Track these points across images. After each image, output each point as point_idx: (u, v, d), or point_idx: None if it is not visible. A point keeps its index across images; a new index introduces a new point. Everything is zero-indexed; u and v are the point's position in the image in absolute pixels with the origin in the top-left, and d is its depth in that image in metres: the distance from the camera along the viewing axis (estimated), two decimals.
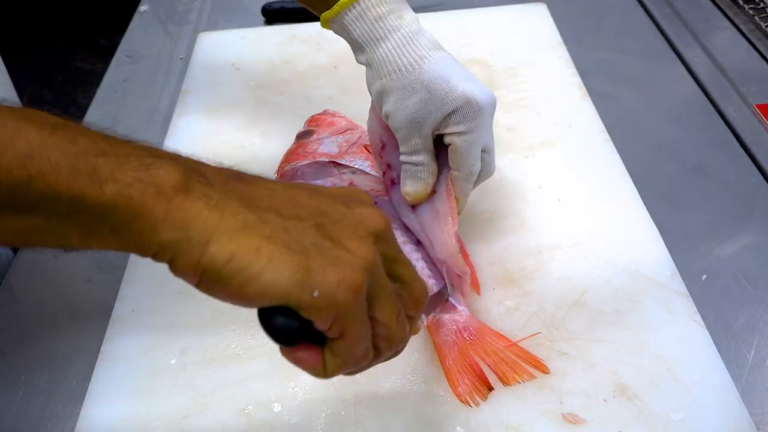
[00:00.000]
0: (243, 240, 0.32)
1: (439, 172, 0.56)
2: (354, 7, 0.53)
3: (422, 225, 0.57)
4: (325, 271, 0.33)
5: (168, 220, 0.32)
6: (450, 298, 0.56)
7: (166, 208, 0.32)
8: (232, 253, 0.32)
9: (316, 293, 0.33)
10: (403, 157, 0.56)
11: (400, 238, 0.59)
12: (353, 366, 0.37)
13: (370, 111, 0.62)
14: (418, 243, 0.59)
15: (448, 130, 0.54)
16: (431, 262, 0.58)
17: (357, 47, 0.56)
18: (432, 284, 0.56)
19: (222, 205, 0.33)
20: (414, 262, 0.57)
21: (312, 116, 0.72)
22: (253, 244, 0.32)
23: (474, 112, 0.53)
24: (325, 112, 0.72)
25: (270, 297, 0.33)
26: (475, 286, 0.58)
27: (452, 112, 0.53)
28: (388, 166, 0.60)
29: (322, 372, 0.37)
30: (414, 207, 0.58)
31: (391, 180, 0.60)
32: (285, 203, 0.35)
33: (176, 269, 0.33)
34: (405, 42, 0.54)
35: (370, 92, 0.58)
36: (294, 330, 0.35)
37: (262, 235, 0.33)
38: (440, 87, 0.53)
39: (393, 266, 0.38)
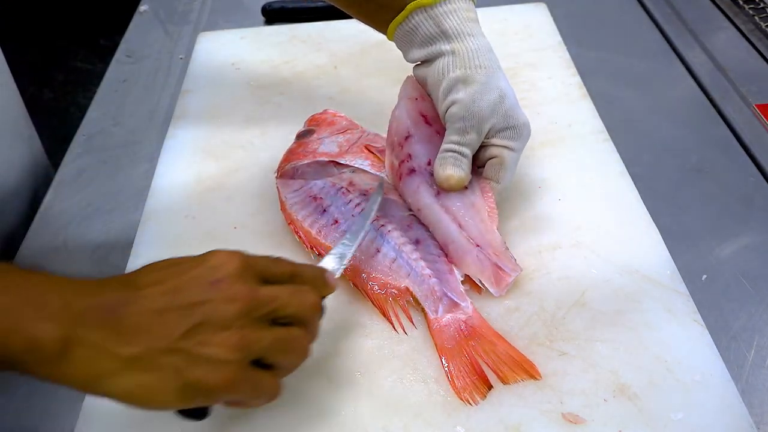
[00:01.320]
0: (125, 379, 0.40)
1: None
2: (448, 3, 0.59)
3: (453, 211, 0.59)
4: (200, 381, 0.40)
5: (61, 376, 0.40)
6: (450, 294, 0.56)
7: (56, 368, 0.39)
8: (121, 391, 0.40)
9: (198, 399, 0.42)
10: (450, 146, 0.59)
11: (400, 238, 0.59)
12: (264, 403, 0.46)
13: (400, 102, 0.64)
14: (417, 242, 0.59)
15: (499, 142, 0.59)
16: (431, 260, 0.58)
17: (441, 36, 0.59)
18: (434, 283, 0.56)
19: (101, 351, 0.39)
20: (413, 263, 0.57)
21: (312, 116, 0.73)
22: (134, 380, 0.40)
23: (525, 135, 0.60)
24: (325, 112, 0.73)
25: (170, 410, 0.43)
26: (474, 286, 0.58)
27: (511, 127, 0.59)
28: (409, 156, 0.62)
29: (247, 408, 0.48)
30: (441, 194, 0.60)
31: (410, 170, 0.61)
32: (154, 323, 0.41)
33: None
34: (488, 48, 0.60)
35: (428, 77, 0.61)
36: (198, 414, 0.44)
37: (139, 369, 0.40)
38: (510, 99, 0.60)
39: (274, 315, 0.44)
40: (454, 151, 0.59)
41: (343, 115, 0.72)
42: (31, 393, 0.55)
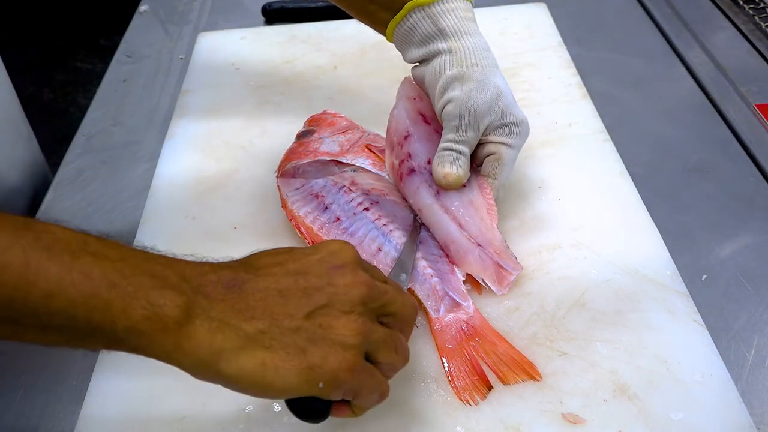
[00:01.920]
0: (248, 356, 0.38)
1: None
2: (446, 2, 0.59)
3: (453, 211, 0.59)
4: (324, 363, 0.39)
5: (178, 349, 0.37)
6: (452, 294, 0.56)
7: (174, 340, 0.37)
8: (240, 370, 0.38)
9: (321, 384, 0.39)
10: (448, 144, 0.59)
11: (402, 238, 0.59)
12: (375, 403, 0.44)
13: (397, 101, 0.64)
14: (420, 242, 0.59)
15: (497, 139, 0.60)
16: (433, 260, 0.58)
17: (439, 35, 0.60)
18: (435, 283, 0.56)
19: (222, 325, 0.38)
20: (414, 262, 0.57)
21: (312, 116, 0.73)
22: (257, 358, 0.38)
23: (523, 132, 0.61)
24: (325, 113, 0.73)
25: (285, 396, 0.41)
26: (475, 286, 0.58)
27: (509, 123, 0.59)
28: (409, 155, 0.62)
29: (354, 416, 0.45)
30: (441, 194, 0.60)
31: (410, 169, 0.61)
32: (276, 302, 0.40)
33: (199, 379, 0.39)
34: (485, 47, 0.61)
35: (425, 76, 0.61)
36: (317, 412, 0.43)
37: (263, 346, 0.38)
38: (507, 97, 0.60)
39: (382, 311, 0.43)
40: (452, 150, 0.59)
41: (342, 115, 0.72)
42: (31, 393, 0.55)
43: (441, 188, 0.60)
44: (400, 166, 0.62)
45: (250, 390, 0.39)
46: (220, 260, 0.42)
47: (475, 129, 0.59)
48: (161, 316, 0.37)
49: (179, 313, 0.37)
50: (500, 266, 0.57)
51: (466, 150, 0.59)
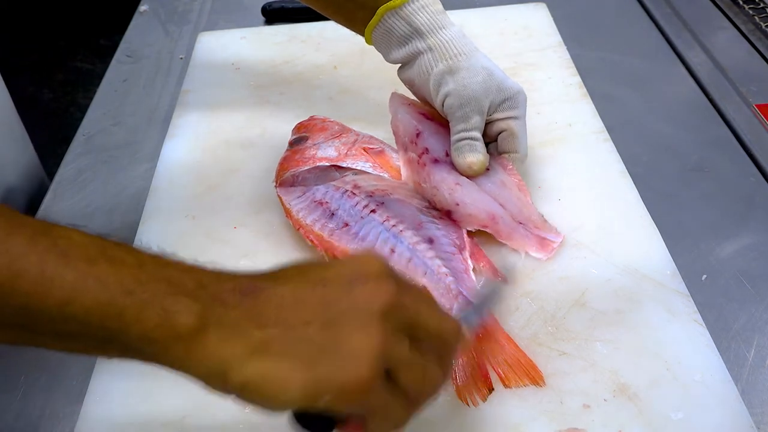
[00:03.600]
0: (255, 366, 0.36)
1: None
2: (415, 1, 0.61)
3: (489, 192, 0.61)
4: (332, 376, 0.36)
5: (189, 358, 0.37)
6: (466, 293, 0.56)
7: (185, 348, 0.36)
8: (246, 380, 0.36)
9: (326, 398, 0.36)
10: (461, 134, 0.61)
11: (413, 237, 0.59)
12: (392, 429, 0.40)
13: (395, 110, 0.66)
14: (431, 241, 0.59)
15: (502, 115, 0.62)
16: (447, 258, 0.58)
17: (415, 34, 0.62)
18: (450, 282, 0.56)
19: (234, 333, 0.37)
20: (428, 261, 0.57)
21: (299, 123, 0.72)
22: (264, 366, 0.36)
23: (522, 101, 0.63)
24: (312, 118, 0.72)
25: (289, 408, 0.38)
26: (496, 275, 0.59)
27: (508, 98, 0.62)
28: (426, 150, 0.64)
29: None
30: (473, 177, 0.62)
31: (433, 159, 0.63)
32: (292, 309, 0.38)
33: (209, 390, 0.38)
34: (461, 34, 0.62)
35: (414, 79, 0.63)
36: (318, 427, 0.39)
37: (271, 353, 0.36)
38: (497, 74, 0.62)
39: (413, 328, 0.39)
40: (466, 138, 0.61)
41: (332, 119, 0.72)
42: (31, 393, 0.55)
43: (467, 177, 0.62)
44: (420, 157, 0.64)
45: (253, 401, 0.37)
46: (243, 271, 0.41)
47: (480, 113, 0.61)
48: (174, 323, 0.36)
49: (193, 320, 0.36)
50: (543, 239, 0.60)
51: (478, 135, 0.61)
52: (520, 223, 0.61)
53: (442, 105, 0.61)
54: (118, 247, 0.38)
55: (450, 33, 0.62)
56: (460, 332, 0.43)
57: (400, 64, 0.65)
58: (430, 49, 0.61)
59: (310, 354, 0.37)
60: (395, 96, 0.68)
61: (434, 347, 0.40)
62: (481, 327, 0.53)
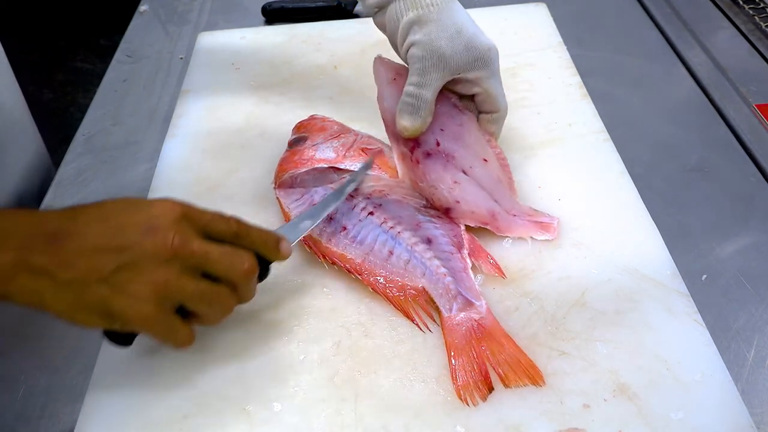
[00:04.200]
0: (61, 300, 0.45)
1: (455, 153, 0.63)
2: None
3: (486, 186, 0.63)
4: (121, 313, 0.46)
5: (10, 294, 0.45)
6: (465, 293, 0.56)
7: (4, 288, 0.45)
8: (58, 311, 0.46)
9: (117, 325, 0.47)
10: (410, 88, 0.60)
11: (411, 238, 0.59)
12: (177, 347, 0.50)
13: (382, 90, 0.64)
14: (429, 242, 0.59)
15: (473, 75, 0.61)
16: (445, 258, 0.58)
17: None
18: (449, 282, 0.56)
19: (42, 273, 0.45)
20: (427, 262, 0.58)
21: (299, 123, 0.72)
22: (68, 302, 0.46)
23: (494, 57, 0.61)
24: (312, 118, 0.72)
25: (92, 329, 0.48)
26: (498, 271, 0.59)
27: (477, 57, 0.60)
28: (417, 143, 0.63)
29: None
30: (470, 171, 0.63)
31: (425, 153, 0.63)
32: (90, 257, 0.46)
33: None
34: None
35: (386, 25, 0.62)
36: (121, 339, 0.51)
37: (73, 292, 0.45)
38: (468, 29, 0.60)
39: (202, 268, 0.49)
40: (413, 96, 0.60)
41: (332, 119, 0.71)
42: (31, 393, 0.55)
43: (402, 136, 0.62)
44: (412, 152, 0.63)
45: (70, 323, 0.47)
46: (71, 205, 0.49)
47: (440, 70, 0.59)
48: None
49: (6, 268, 0.44)
50: (541, 224, 0.62)
51: (429, 95, 0.60)
52: (515, 215, 0.62)
53: (406, 53, 0.61)
54: None
55: None
56: (251, 272, 0.50)
57: (376, 10, 0.64)
58: None
59: (104, 294, 0.46)
60: (380, 64, 0.65)
61: (226, 282, 0.49)
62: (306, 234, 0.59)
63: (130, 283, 0.46)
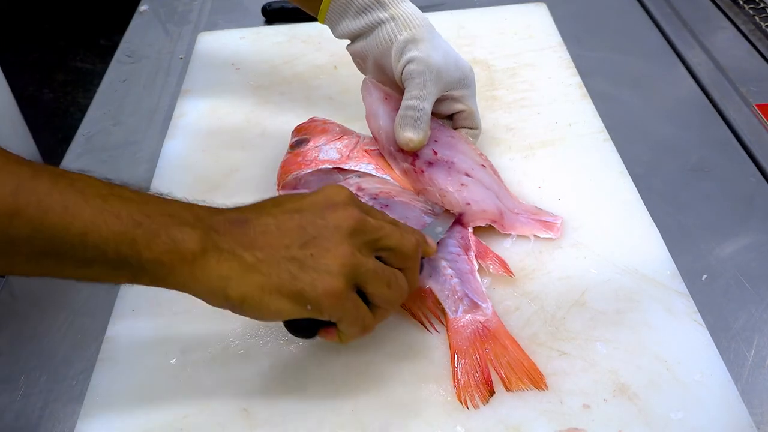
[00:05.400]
0: (249, 283, 0.44)
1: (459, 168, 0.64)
2: None
3: (490, 186, 0.64)
4: (311, 289, 0.44)
5: (192, 278, 0.44)
6: (471, 295, 0.56)
7: (189, 270, 0.44)
8: (243, 295, 0.44)
9: (309, 307, 0.45)
10: (411, 102, 0.62)
11: None
12: (360, 333, 0.48)
13: (374, 110, 0.65)
14: (438, 243, 0.59)
15: (459, 93, 0.64)
16: (452, 260, 0.58)
17: (376, 4, 0.63)
18: (455, 284, 0.56)
19: (229, 256, 0.44)
20: (433, 263, 0.57)
21: (299, 125, 0.72)
22: (256, 283, 0.44)
23: (473, 79, 0.66)
24: (312, 120, 0.72)
25: (280, 318, 0.47)
26: (506, 270, 0.59)
27: (463, 77, 0.64)
28: (416, 155, 0.64)
29: (340, 341, 0.49)
30: (472, 173, 0.64)
31: (427, 162, 0.64)
32: (274, 234, 0.46)
33: (211, 305, 0.46)
34: (417, 9, 0.64)
35: (371, 49, 0.64)
36: (305, 329, 0.49)
37: (261, 273, 0.44)
38: (452, 51, 0.64)
39: (377, 244, 0.48)
40: (414, 108, 0.62)
41: (332, 121, 0.71)
42: (31, 393, 0.55)
43: (403, 150, 0.64)
44: (414, 164, 0.64)
45: (251, 312, 0.45)
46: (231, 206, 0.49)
47: (437, 84, 0.62)
48: (180, 248, 0.43)
49: (195, 245, 0.43)
50: (544, 222, 0.62)
51: (428, 107, 0.62)
52: (518, 213, 0.63)
53: (402, 70, 0.62)
54: (123, 188, 0.45)
55: (407, 6, 0.63)
56: (419, 246, 0.50)
57: (349, 40, 0.66)
58: (393, 18, 0.62)
59: (293, 271, 0.45)
60: (369, 87, 0.67)
61: (397, 261, 0.49)
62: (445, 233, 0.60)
63: (317, 258, 0.45)
